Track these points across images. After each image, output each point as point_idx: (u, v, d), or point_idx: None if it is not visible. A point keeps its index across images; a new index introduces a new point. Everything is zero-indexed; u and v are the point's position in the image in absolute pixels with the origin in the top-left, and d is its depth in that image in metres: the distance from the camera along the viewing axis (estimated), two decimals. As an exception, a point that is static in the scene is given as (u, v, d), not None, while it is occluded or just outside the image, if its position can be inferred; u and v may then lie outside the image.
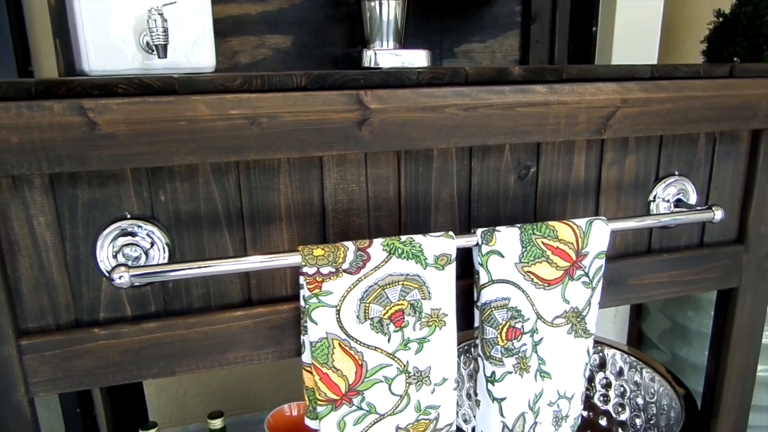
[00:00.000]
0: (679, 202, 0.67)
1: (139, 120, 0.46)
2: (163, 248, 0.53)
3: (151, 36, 0.72)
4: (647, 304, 1.37)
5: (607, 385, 1.00)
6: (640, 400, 0.95)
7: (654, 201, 0.67)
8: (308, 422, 0.57)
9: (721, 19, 1.21)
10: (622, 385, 0.97)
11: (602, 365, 1.00)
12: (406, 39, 1.01)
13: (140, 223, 0.52)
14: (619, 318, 1.38)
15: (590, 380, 1.01)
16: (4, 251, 0.49)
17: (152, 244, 0.52)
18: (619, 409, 0.98)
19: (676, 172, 0.68)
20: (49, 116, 0.45)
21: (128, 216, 0.52)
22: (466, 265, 0.59)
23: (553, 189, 0.64)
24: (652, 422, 0.91)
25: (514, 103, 0.55)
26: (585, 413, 1.01)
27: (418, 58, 0.89)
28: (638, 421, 0.94)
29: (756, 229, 0.72)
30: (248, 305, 0.57)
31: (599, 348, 1.00)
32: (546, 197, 0.64)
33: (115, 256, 0.52)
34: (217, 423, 0.86)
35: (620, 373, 0.98)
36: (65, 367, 0.52)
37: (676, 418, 0.84)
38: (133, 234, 0.52)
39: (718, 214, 0.62)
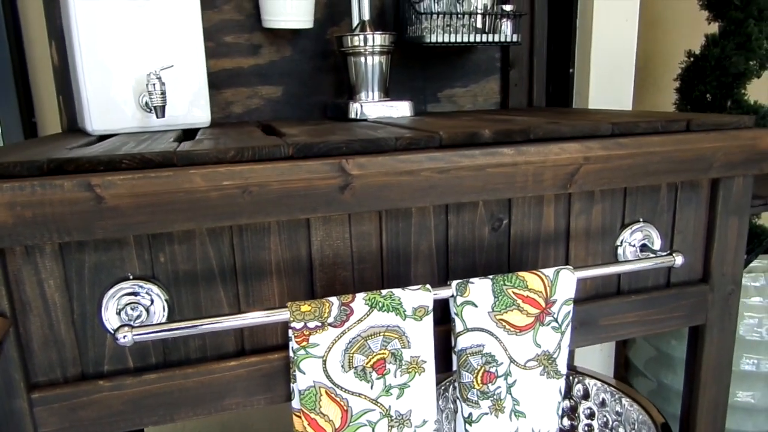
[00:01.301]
0: (644, 247, 0.72)
1: (141, 193, 0.51)
2: (163, 306, 0.57)
3: (150, 98, 0.78)
4: (632, 331, 1.41)
5: (591, 415, 1.03)
6: (621, 430, 0.99)
7: (621, 245, 0.72)
8: (299, 464, 0.61)
9: (692, 59, 1.27)
10: (605, 415, 1.01)
11: (586, 396, 1.04)
12: (392, 86, 1.07)
13: (142, 282, 0.56)
14: (606, 346, 1.42)
15: (574, 410, 1.05)
16: (17, 311, 0.54)
17: (152, 301, 0.57)
18: (602, 439, 1.01)
19: (641, 219, 0.73)
20: (60, 193, 0.49)
21: (130, 276, 0.56)
22: (444, 311, 0.64)
23: (525, 238, 0.69)
24: (633, 451, 0.95)
25: (484, 164, 0.60)
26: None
27: (401, 109, 0.95)
28: (620, 451, 0.98)
29: (719, 270, 0.77)
30: (242, 355, 0.61)
31: (582, 379, 1.04)
32: (519, 246, 0.69)
33: (118, 314, 0.56)
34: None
35: (603, 403, 1.02)
36: (72, 417, 0.56)
37: (654, 447, 0.88)
38: (135, 293, 0.56)
39: (679, 259, 0.67)
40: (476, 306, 0.59)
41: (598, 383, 1.02)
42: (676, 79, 1.32)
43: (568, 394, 1.06)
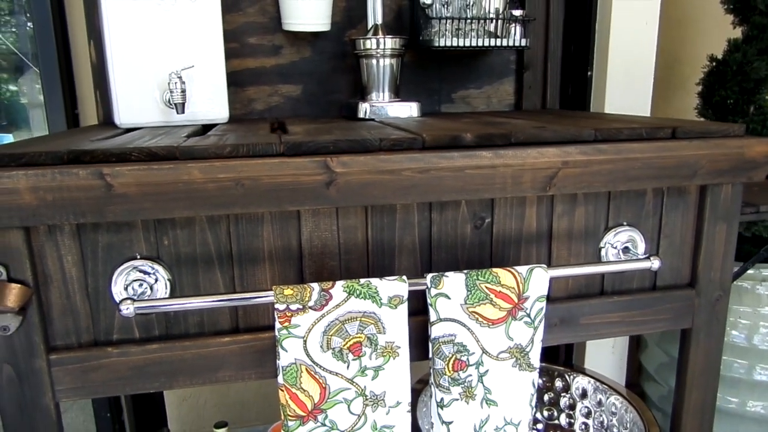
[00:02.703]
0: (626, 250, 0.74)
1: (146, 182, 0.58)
2: (166, 284, 0.64)
3: (171, 95, 0.85)
4: (645, 337, 1.41)
5: (588, 414, 1.06)
6: (616, 430, 1.00)
7: (604, 247, 0.75)
8: (284, 434, 0.67)
9: (713, 64, 1.26)
10: (601, 414, 1.03)
11: (584, 395, 1.06)
12: (407, 86, 1.11)
13: (148, 262, 0.63)
14: (617, 350, 1.43)
15: (572, 407, 1.08)
16: (39, 282, 0.61)
17: (156, 280, 0.64)
18: (597, 437, 1.03)
19: (625, 223, 0.75)
20: (76, 180, 0.56)
21: (138, 256, 0.63)
22: (424, 303, 0.68)
23: (507, 237, 0.72)
24: (624, 450, 0.97)
25: (462, 166, 0.64)
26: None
27: (409, 109, 0.99)
28: (613, 449, 1.00)
29: (706, 275, 0.78)
30: (236, 332, 0.67)
31: (581, 378, 1.06)
32: (501, 245, 0.72)
33: (126, 289, 0.63)
34: (221, 432, 0.97)
35: (599, 403, 1.04)
36: (84, 378, 0.63)
37: (643, 447, 0.90)
38: (142, 271, 0.63)
39: (656, 263, 0.69)
40: (449, 298, 0.63)
41: (595, 383, 1.04)
42: (698, 83, 1.32)
43: (566, 391, 1.08)
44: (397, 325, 0.63)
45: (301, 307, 0.60)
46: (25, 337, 0.62)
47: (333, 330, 0.61)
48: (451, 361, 0.64)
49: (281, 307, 0.60)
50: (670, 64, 1.56)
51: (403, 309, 0.62)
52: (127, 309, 0.58)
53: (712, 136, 0.72)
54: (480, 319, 0.64)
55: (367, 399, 0.63)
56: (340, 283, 0.61)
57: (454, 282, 0.63)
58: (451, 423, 0.65)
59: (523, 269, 0.65)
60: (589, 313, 0.75)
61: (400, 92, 1.04)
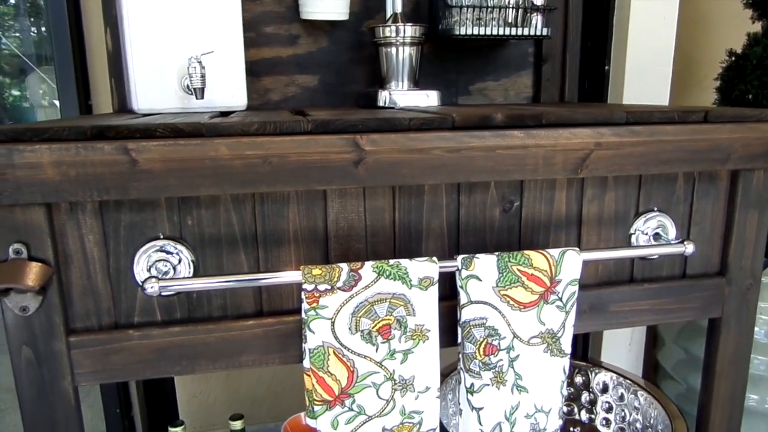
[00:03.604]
0: (657, 236, 0.73)
1: (171, 158, 0.56)
2: (189, 264, 0.62)
3: (191, 80, 0.83)
4: (662, 334, 1.39)
5: (609, 409, 1.03)
6: (639, 425, 0.98)
7: (634, 234, 0.73)
8: (308, 422, 0.65)
9: (733, 59, 1.25)
10: (623, 409, 1.01)
11: (605, 389, 1.04)
12: (424, 77, 1.10)
13: (171, 242, 0.62)
14: (634, 347, 1.41)
15: (593, 403, 1.05)
16: (60, 262, 0.60)
17: (180, 260, 0.62)
18: (619, 433, 1.01)
19: (656, 208, 0.73)
20: (100, 155, 0.55)
21: (161, 236, 0.62)
22: (452, 287, 0.67)
23: (536, 222, 0.71)
24: (648, 446, 0.95)
25: (494, 146, 0.63)
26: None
27: (430, 98, 0.98)
28: (636, 445, 0.98)
29: (737, 263, 0.77)
30: (260, 316, 0.65)
31: (602, 372, 1.04)
32: (529, 229, 0.71)
33: (149, 270, 0.61)
34: (237, 424, 0.95)
35: (621, 397, 1.02)
36: (104, 361, 0.62)
37: (668, 442, 0.87)
38: (165, 251, 0.61)
39: (690, 248, 0.68)
40: (480, 280, 0.61)
41: (617, 377, 1.02)
42: (716, 78, 1.30)
43: (587, 387, 1.06)
44: (427, 308, 0.61)
45: (329, 287, 0.58)
46: (45, 318, 0.60)
47: (362, 311, 0.59)
48: (482, 345, 0.62)
49: (309, 287, 0.58)
50: (686, 64, 1.55)
51: (434, 291, 0.61)
52: (152, 288, 0.56)
53: (746, 120, 0.71)
54: (511, 302, 0.63)
55: (395, 383, 0.61)
56: (369, 264, 0.60)
57: (485, 264, 0.62)
58: (481, 409, 0.63)
59: (555, 252, 0.64)
60: (618, 301, 0.74)
61: (418, 83, 1.03)
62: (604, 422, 1.04)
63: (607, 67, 1.27)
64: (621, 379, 1.02)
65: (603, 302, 0.73)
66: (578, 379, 1.07)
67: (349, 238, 0.66)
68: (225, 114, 0.87)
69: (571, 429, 1.06)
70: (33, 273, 0.57)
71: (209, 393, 1.38)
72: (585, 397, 1.06)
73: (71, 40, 1.13)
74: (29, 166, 0.54)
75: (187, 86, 0.87)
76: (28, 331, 0.60)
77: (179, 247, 0.62)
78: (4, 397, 1.74)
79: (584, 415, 1.06)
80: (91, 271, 0.61)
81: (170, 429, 0.93)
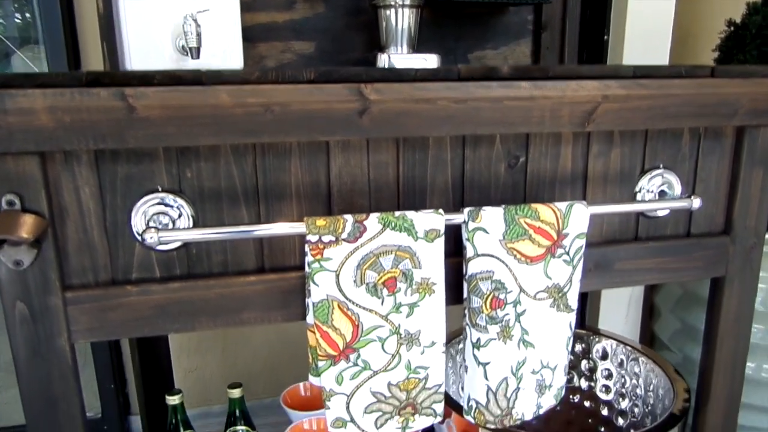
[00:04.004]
0: (662, 194, 0.72)
1: (170, 105, 0.54)
2: (188, 219, 0.61)
3: (186, 39, 0.81)
4: (659, 305, 1.39)
5: (609, 376, 1.03)
6: (639, 391, 0.98)
7: (639, 192, 0.72)
8: (311, 379, 0.64)
9: (731, 28, 1.24)
10: (623, 376, 1.01)
11: (604, 356, 1.04)
12: (423, 45, 1.08)
13: (170, 195, 0.60)
14: (630, 319, 1.41)
15: (592, 371, 1.05)
16: (54, 215, 0.58)
17: (180, 215, 0.60)
18: (620, 399, 1.01)
19: (661, 165, 0.72)
20: (96, 101, 0.53)
21: (159, 189, 0.60)
22: (457, 242, 0.65)
23: (541, 178, 0.69)
24: (649, 410, 0.95)
25: (501, 96, 0.61)
26: (587, 404, 1.05)
27: (429, 62, 0.96)
28: (636, 410, 0.98)
29: (741, 222, 0.76)
30: (261, 272, 0.64)
31: (601, 339, 1.04)
32: (535, 185, 0.69)
33: (147, 224, 0.60)
34: (235, 393, 0.94)
35: (621, 363, 1.02)
36: (102, 318, 0.60)
37: (669, 405, 0.87)
38: (164, 204, 0.60)
39: (696, 202, 0.67)
40: (487, 232, 0.60)
41: (616, 344, 1.02)
42: (714, 49, 1.30)
43: (587, 354, 1.06)
44: (433, 261, 0.60)
45: (334, 239, 0.57)
46: (40, 273, 0.58)
47: (367, 264, 0.58)
48: (489, 299, 0.61)
49: (313, 238, 0.57)
50: (685, 36, 1.54)
51: (440, 243, 0.60)
52: (152, 238, 0.54)
53: (753, 75, 0.70)
54: (518, 255, 0.62)
55: (401, 337, 0.60)
56: (374, 215, 0.58)
57: (492, 216, 0.60)
58: (487, 364, 0.63)
59: (562, 205, 0.63)
60: (624, 258, 0.73)
61: (417, 49, 1.01)
62: (603, 389, 1.04)
63: (606, 37, 1.26)
64: (621, 345, 1.02)
65: (608, 260, 0.72)
66: (577, 347, 1.06)
67: (353, 193, 0.65)
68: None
69: (571, 397, 1.06)
70: (27, 225, 0.55)
71: (205, 368, 1.36)
72: (584, 364, 1.06)
73: (60, 7, 1.10)
74: (22, 111, 0.52)
75: (182, 46, 0.85)
76: (22, 286, 0.58)
77: (179, 200, 0.60)
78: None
79: (584, 383, 1.06)
80: (87, 225, 0.59)
81: (168, 397, 0.92)
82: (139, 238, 0.60)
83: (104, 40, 1.00)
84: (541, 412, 0.68)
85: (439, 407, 0.64)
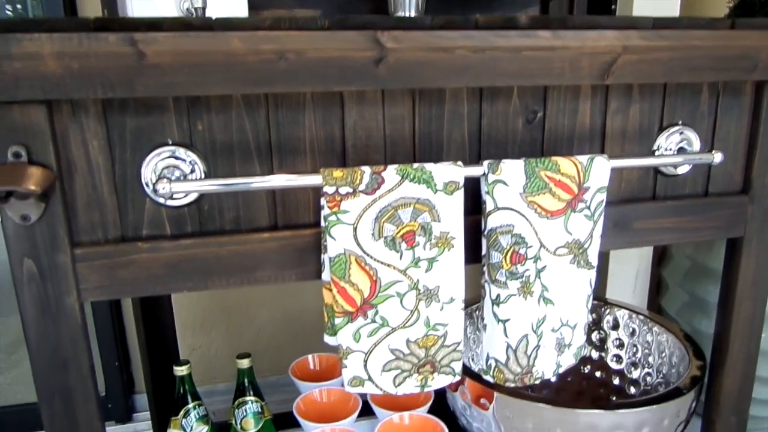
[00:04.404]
0: (681, 151, 0.70)
1: (181, 51, 0.52)
2: (200, 173, 0.59)
3: (191, 1, 0.79)
4: (666, 279, 1.38)
5: (620, 346, 1.02)
6: (651, 359, 0.97)
7: (657, 150, 0.71)
8: (327, 339, 0.62)
9: (740, -3, 1.23)
10: (635, 345, 1.00)
11: (615, 326, 1.03)
12: (428, 11, 1.06)
13: (181, 149, 0.58)
14: (638, 293, 1.40)
15: (603, 341, 1.04)
16: (62, 170, 0.56)
17: (192, 170, 0.59)
18: (631, 368, 1.00)
19: (680, 122, 0.71)
20: (105, 46, 0.51)
21: (170, 142, 0.58)
22: (474, 202, 0.64)
23: (559, 134, 0.68)
24: (662, 378, 0.94)
25: (520, 46, 0.60)
26: (599, 374, 1.04)
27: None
28: (649, 379, 0.97)
29: (760, 181, 0.75)
30: (275, 229, 0.62)
31: (612, 309, 1.03)
32: (552, 142, 0.68)
33: (158, 177, 0.58)
34: (244, 363, 0.92)
35: (633, 333, 1.01)
36: (111, 275, 0.58)
37: (684, 372, 0.86)
38: (175, 158, 0.58)
39: (718, 156, 0.65)
40: (507, 185, 0.59)
41: (628, 312, 1.01)
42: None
43: (597, 325, 1.05)
44: (452, 214, 0.58)
45: (351, 190, 0.55)
46: (48, 229, 0.56)
47: (385, 216, 0.56)
48: (509, 254, 0.60)
49: (330, 190, 0.55)
50: (692, 3, 1.53)
51: (459, 196, 0.58)
52: (164, 188, 0.53)
53: (774, 26, 0.68)
54: (539, 209, 0.60)
55: (420, 293, 0.59)
56: (392, 167, 0.57)
57: (512, 168, 0.59)
58: (507, 321, 0.61)
59: (583, 158, 0.61)
60: (642, 218, 0.72)
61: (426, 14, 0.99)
62: (615, 359, 1.03)
63: (613, 6, 1.24)
64: (632, 314, 1.01)
65: (626, 219, 0.71)
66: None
67: (368, 148, 0.63)
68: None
69: (582, 367, 1.05)
70: (34, 176, 0.53)
71: (210, 345, 1.35)
72: (595, 335, 1.05)
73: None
74: (28, 56, 0.50)
75: (187, 9, 0.82)
76: (30, 242, 0.56)
77: (191, 154, 0.58)
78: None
79: (594, 354, 1.05)
80: (96, 179, 0.57)
81: (175, 368, 0.90)
82: (151, 191, 0.58)
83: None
84: (561, 371, 0.67)
85: (458, 366, 0.62)
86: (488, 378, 0.64)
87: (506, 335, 0.62)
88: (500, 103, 0.65)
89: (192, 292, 0.62)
